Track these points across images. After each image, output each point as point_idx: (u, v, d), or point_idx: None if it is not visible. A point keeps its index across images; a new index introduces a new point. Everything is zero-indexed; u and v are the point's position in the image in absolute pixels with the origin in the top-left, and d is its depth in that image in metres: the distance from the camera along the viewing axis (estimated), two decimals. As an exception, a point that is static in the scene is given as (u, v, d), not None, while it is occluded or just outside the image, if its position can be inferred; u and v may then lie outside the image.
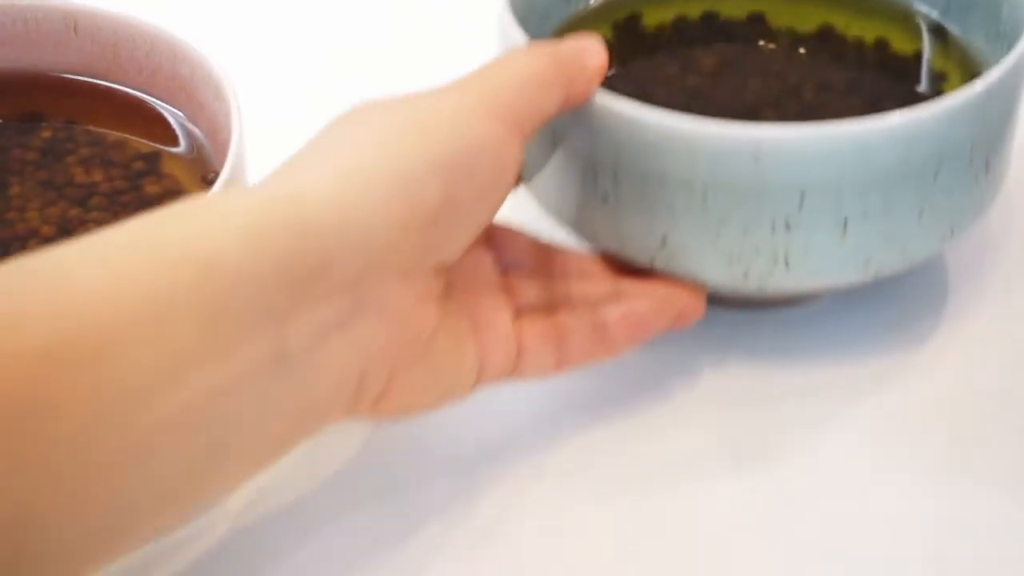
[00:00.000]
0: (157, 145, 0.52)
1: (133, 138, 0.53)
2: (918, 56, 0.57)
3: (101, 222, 0.49)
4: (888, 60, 0.57)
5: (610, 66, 0.49)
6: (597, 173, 0.50)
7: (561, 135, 0.50)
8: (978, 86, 0.48)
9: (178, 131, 0.52)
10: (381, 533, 0.48)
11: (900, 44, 0.57)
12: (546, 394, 0.53)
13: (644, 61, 0.57)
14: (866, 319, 0.55)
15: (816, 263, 0.50)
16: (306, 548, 0.48)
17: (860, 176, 0.48)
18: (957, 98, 0.48)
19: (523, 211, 0.58)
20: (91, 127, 0.53)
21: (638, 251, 0.51)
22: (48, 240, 0.49)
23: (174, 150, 0.52)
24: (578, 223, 0.52)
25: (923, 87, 0.55)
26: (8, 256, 0.46)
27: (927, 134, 0.48)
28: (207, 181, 0.50)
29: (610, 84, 0.49)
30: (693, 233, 0.49)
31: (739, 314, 0.55)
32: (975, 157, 0.50)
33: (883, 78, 0.56)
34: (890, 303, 0.56)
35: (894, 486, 0.50)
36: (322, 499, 0.50)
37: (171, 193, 0.49)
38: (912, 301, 0.56)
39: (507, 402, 0.52)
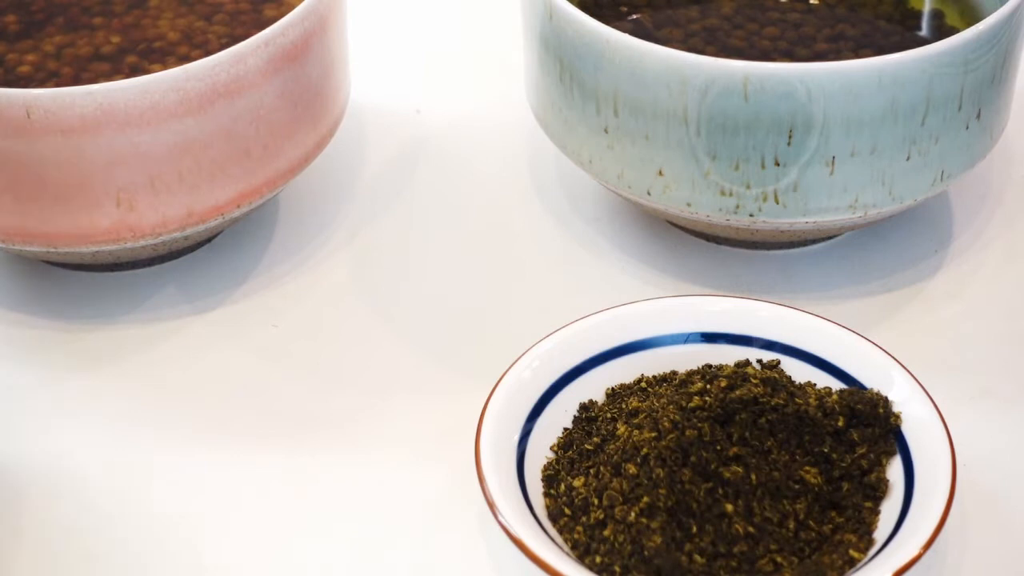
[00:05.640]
0: None
1: None
2: (934, 12, 0.59)
3: (220, 34, 0.57)
4: (905, 15, 0.59)
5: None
6: (599, 105, 0.52)
7: (567, 67, 0.53)
8: (966, 34, 0.50)
9: None
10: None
11: (917, 1, 0.59)
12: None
13: (665, 1, 0.59)
14: (868, 261, 0.57)
15: (805, 200, 0.52)
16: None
17: (847, 116, 0.50)
18: (943, 45, 0.50)
19: (535, 143, 0.61)
20: None
21: (636, 182, 0.53)
22: (172, 43, 0.56)
23: None
24: (583, 155, 0.55)
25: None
26: (136, 52, 0.56)
27: (912, 78, 0.50)
28: None
29: (630, 22, 0.51)
30: (687, 166, 0.52)
31: (746, 252, 0.58)
32: (965, 104, 0.51)
33: (898, 32, 0.58)
34: (893, 247, 0.58)
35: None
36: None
37: (283, 15, 0.53)
38: (914, 246, 0.58)
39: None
